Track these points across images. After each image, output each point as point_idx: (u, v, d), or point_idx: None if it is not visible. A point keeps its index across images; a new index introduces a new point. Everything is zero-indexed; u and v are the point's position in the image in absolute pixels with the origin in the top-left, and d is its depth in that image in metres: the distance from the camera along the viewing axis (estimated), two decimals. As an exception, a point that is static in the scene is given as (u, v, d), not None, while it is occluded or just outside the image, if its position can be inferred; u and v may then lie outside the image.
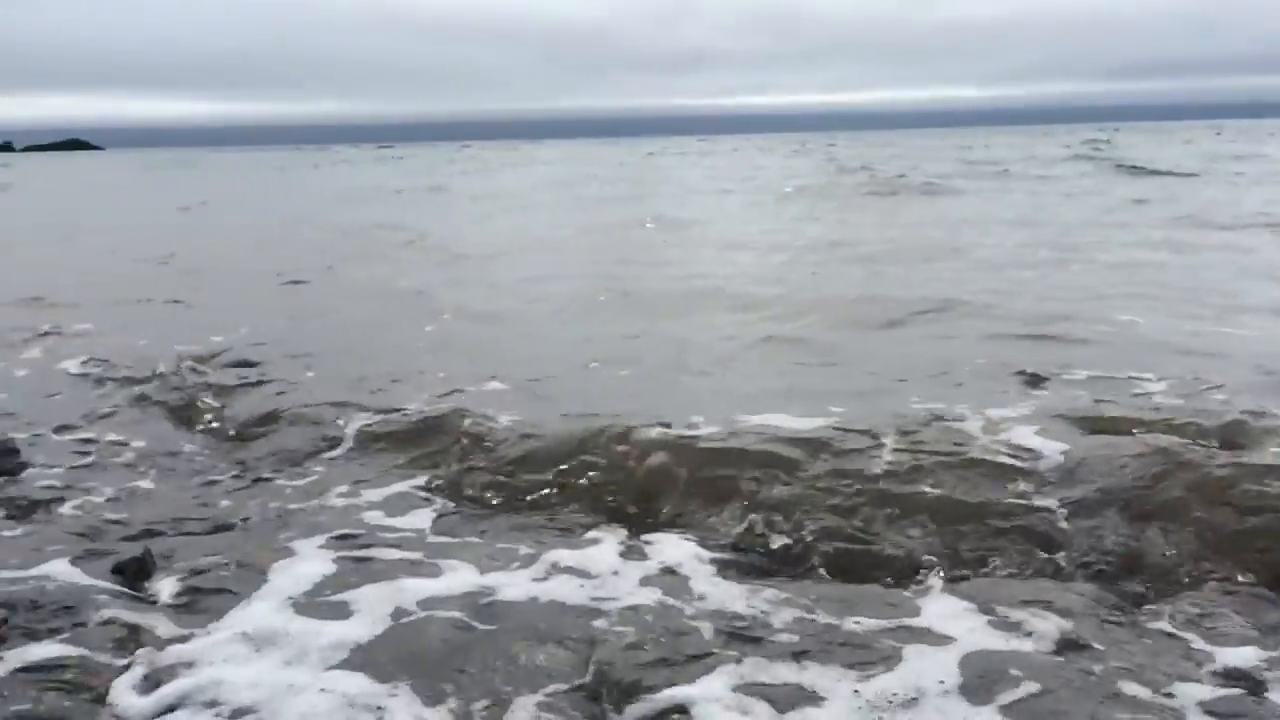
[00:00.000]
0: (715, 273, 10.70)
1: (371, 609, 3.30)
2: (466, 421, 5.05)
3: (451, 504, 4.38)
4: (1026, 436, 4.51)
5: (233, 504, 4.45)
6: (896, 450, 4.37)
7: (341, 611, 3.30)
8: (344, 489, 4.57)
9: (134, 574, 3.69)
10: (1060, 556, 3.65)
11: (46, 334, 7.99)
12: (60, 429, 5.47)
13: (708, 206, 20.56)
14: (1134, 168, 26.93)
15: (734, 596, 3.39)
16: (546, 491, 4.39)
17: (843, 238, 13.62)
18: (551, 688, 2.84)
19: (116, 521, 4.27)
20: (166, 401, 6.02)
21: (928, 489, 4.04)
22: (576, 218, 18.63)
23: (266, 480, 4.73)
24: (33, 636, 3.10)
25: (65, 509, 4.38)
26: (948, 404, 5.11)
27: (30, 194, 36.20)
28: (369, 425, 5.26)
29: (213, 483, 4.74)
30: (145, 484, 4.72)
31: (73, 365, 6.92)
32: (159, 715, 2.71)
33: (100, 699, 2.79)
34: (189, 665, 2.96)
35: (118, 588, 3.54)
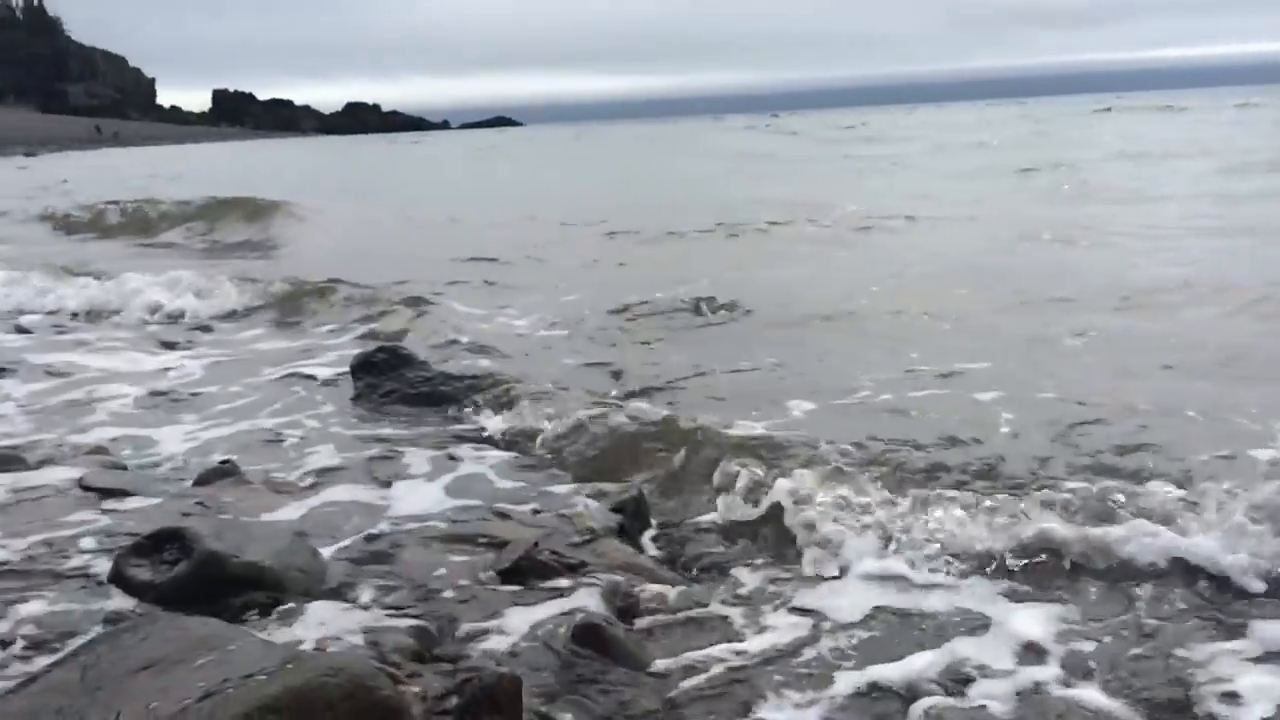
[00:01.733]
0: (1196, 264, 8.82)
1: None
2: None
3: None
4: None
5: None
6: None
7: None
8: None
9: (632, 514, 4.00)
10: None
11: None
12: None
13: (1153, 175, 17.78)
14: None
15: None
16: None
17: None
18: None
19: (591, 459, 4.64)
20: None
21: None
22: (996, 185, 17.65)
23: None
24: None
25: (563, 451, 4.81)
26: None
27: (451, 162, 40.44)
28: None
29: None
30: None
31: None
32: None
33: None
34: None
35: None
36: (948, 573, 3.45)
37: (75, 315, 8.48)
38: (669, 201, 17.48)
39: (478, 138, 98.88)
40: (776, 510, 3.97)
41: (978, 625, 3.10)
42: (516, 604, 3.25)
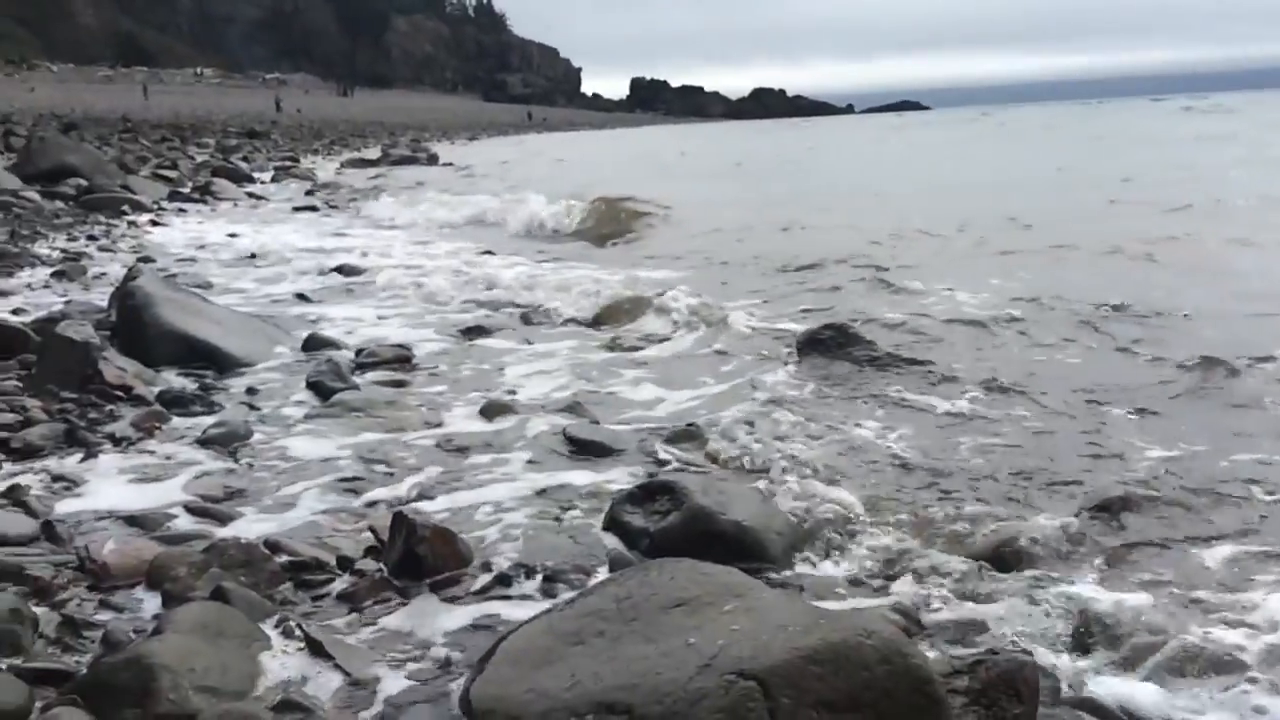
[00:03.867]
0: None
1: None
2: None
3: None
4: None
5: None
6: None
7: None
8: None
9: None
10: None
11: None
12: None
13: None
14: None
15: None
16: None
17: None
18: None
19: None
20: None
21: None
22: None
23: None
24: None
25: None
26: None
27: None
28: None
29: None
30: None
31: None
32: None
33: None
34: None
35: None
36: None
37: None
38: (1104, 194, 15.95)
39: (878, 121, 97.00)
40: None
41: None
42: (999, 591, 3.15)
